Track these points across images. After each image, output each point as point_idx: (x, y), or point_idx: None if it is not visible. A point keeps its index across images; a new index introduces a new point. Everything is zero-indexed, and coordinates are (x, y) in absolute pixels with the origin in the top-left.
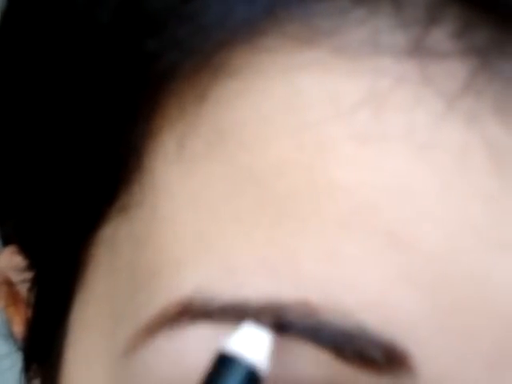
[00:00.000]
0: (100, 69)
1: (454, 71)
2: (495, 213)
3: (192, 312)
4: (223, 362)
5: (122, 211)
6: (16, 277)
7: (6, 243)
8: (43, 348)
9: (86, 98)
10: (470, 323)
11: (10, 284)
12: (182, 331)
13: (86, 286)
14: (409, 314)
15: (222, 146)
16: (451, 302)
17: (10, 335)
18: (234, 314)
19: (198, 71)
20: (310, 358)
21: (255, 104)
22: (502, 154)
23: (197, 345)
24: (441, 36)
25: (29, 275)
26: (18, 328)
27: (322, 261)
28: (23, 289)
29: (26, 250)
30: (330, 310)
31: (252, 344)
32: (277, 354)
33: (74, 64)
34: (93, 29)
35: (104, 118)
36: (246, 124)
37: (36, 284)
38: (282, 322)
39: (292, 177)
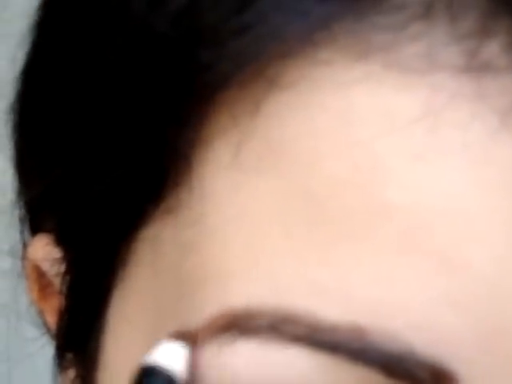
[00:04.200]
0: (152, 75)
1: (508, 85)
2: None
3: (241, 326)
4: (145, 373)
5: (168, 213)
6: (48, 267)
7: (34, 232)
8: (79, 339)
9: (137, 101)
10: None
11: (41, 274)
12: (230, 343)
13: (126, 282)
14: (456, 336)
15: (273, 160)
16: (497, 325)
17: (40, 321)
18: (281, 331)
19: (251, 82)
20: (357, 379)
21: (308, 118)
22: None
23: (245, 359)
24: (495, 49)
25: (62, 267)
26: (50, 318)
27: (375, 284)
28: (56, 280)
29: (63, 241)
30: (379, 332)
31: (170, 357)
32: (322, 374)
33: (127, 69)
34: (148, 37)
35: (154, 122)
36: (299, 139)
37: (71, 275)
38: (332, 343)
39: (346, 196)
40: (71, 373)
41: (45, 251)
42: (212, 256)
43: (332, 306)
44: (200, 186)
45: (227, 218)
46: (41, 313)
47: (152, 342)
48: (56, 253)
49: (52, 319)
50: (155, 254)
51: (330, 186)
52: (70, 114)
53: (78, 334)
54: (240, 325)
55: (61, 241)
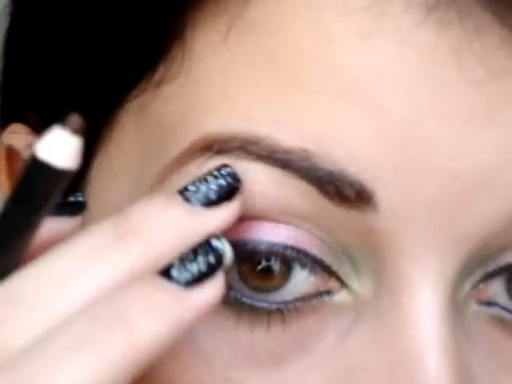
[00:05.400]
0: None
1: None
2: (450, 95)
3: (216, 147)
4: (34, 166)
5: (157, 83)
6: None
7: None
8: None
9: None
10: (421, 174)
11: (12, 156)
12: (209, 162)
13: (110, 146)
14: (378, 165)
15: (250, 32)
16: (409, 158)
17: None
18: (247, 151)
19: None
20: (301, 194)
21: (284, 5)
22: (460, 52)
23: None
24: None
25: None
26: None
27: (323, 121)
28: None
29: (45, 115)
30: (322, 157)
31: (60, 147)
32: (276, 188)
33: None
34: None
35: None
36: (273, 16)
37: None
38: (285, 161)
39: (306, 58)
40: None
41: (21, 135)
42: (194, 101)
43: (288, 135)
44: (188, 55)
45: (209, 73)
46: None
47: (137, 186)
48: (31, 139)
49: None
50: (140, 117)
51: (294, 50)
52: None
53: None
54: (215, 146)
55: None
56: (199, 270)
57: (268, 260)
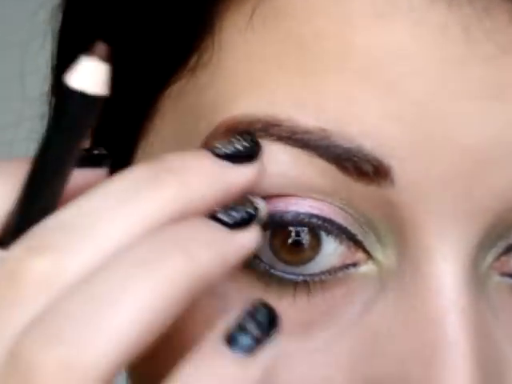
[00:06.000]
0: None
1: None
2: (461, 72)
3: (240, 128)
4: (67, 95)
5: (191, 71)
6: None
7: None
8: None
9: None
10: (435, 149)
11: None
12: None
13: (151, 132)
14: (394, 141)
15: (273, 17)
16: (423, 134)
17: None
18: (269, 133)
19: None
20: (321, 172)
21: None
22: (470, 29)
23: None
24: None
25: None
26: None
27: (339, 101)
28: None
29: None
30: (340, 135)
31: (90, 75)
32: (297, 167)
33: None
34: None
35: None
36: (298, 5)
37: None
38: (304, 141)
39: (324, 40)
40: None
41: None
42: (223, 85)
43: (308, 116)
44: (219, 45)
45: (237, 60)
46: None
47: None
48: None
49: None
50: (176, 105)
51: (314, 32)
52: None
53: None
54: (239, 127)
55: None
56: (241, 217)
57: (297, 234)
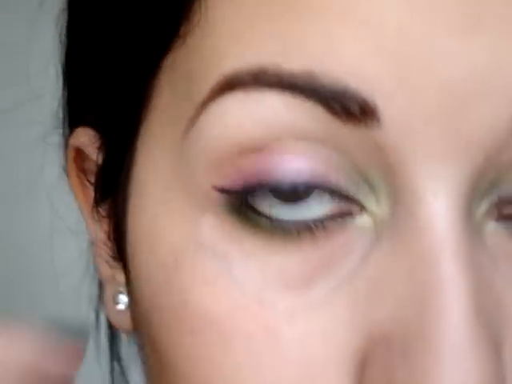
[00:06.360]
0: None
1: None
2: (439, 3)
3: (230, 84)
4: None
5: (182, 39)
6: (87, 149)
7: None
8: (115, 175)
9: None
10: (417, 84)
11: (80, 156)
12: (228, 99)
13: (151, 110)
14: (379, 79)
15: None
16: (404, 69)
17: None
18: (259, 82)
19: None
20: (311, 116)
21: None
22: None
23: (235, 110)
24: None
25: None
26: (80, 202)
27: (321, 42)
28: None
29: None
30: (325, 76)
31: None
32: (288, 112)
33: None
34: None
35: None
36: None
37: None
38: (292, 85)
39: None
40: (105, 225)
41: (85, 135)
42: (213, 45)
43: (293, 60)
44: (205, 6)
45: (223, 18)
46: (75, 197)
47: (175, 144)
48: (94, 136)
49: (83, 200)
50: (171, 73)
51: None
52: None
53: (111, 182)
54: (229, 83)
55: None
56: None
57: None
